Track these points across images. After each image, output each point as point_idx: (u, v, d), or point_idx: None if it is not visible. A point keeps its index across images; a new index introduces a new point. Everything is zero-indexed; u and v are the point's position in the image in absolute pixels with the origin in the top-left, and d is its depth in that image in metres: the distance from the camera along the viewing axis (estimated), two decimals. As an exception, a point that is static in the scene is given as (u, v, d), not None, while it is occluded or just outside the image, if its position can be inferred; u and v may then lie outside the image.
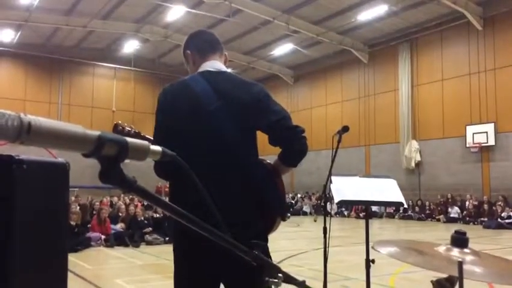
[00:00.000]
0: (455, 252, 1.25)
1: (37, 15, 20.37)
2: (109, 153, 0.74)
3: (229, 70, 2.21)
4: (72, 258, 7.88)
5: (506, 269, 1.27)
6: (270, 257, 1.89)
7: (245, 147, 1.97)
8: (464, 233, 1.29)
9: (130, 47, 24.66)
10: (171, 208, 0.92)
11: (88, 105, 25.85)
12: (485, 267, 1.19)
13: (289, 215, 2.09)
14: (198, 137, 1.96)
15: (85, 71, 26.18)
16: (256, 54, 25.26)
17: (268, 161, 2.13)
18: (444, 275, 1.31)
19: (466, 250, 1.26)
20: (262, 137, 2.06)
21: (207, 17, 20.45)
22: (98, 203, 13.00)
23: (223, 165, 1.93)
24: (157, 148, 0.83)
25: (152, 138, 2.13)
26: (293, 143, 2.01)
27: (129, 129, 2.22)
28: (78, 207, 11.28)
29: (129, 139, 0.77)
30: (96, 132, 0.72)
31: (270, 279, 1.13)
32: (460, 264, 1.01)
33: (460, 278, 1.02)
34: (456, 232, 1.30)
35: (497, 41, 17.99)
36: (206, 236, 0.99)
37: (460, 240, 1.27)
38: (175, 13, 20.47)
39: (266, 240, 1.98)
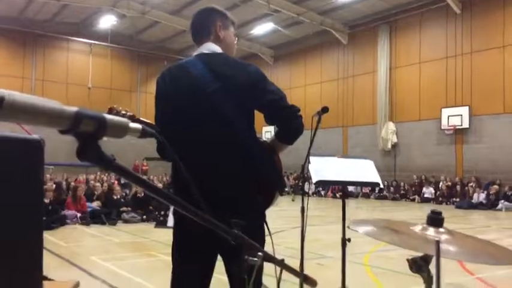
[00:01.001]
0: (431, 231, 1.28)
1: (9, -13, 19.65)
2: (87, 130, 0.72)
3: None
4: (47, 236, 7.80)
5: (479, 248, 1.31)
6: (264, 235, 1.95)
7: (243, 126, 2.03)
8: (440, 213, 1.32)
9: (107, 22, 24.03)
10: (149, 186, 0.91)
11: (63, 82, 25.22)
12: (459, 246, 1.23)
13: (286, 189, 2.19)
14: (197, 118, 2.02)
15: (59, 46, 25.45)
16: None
17: (265, 139, 2.23)
18: (419, 254, 1.34)
19: (441, 229, 1.29)
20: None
21: (187, -7, 20.07)
22: (73, 182, 12.82)
23: (222, 143, 2.00)
24: (136, 125, 0.82)
25: (146, 121, 2.15)
26: (289, 122, 2.08)
27: (124, 112, 2.23)
28: (53, 185, 11.12)
29: (107, 115, 0.75)
30: (73, 108, 0.70)
31: (250, 258, 1.14)
32: (438, 243, 1.04)
33: (437, 257, 1.05)
34: (432, 212, 1.33)
35: (474, 24, 18.22)
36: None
37: (435, 220, 1.30)
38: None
39: (264, 214, 2.07)
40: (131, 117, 2.26)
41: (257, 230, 1.95)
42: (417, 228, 1.31)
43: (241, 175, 2.00)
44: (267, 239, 1.94)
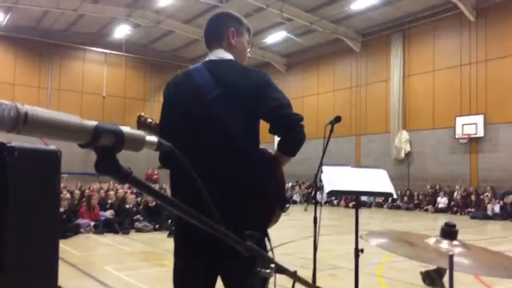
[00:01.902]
0: (445, 244, 1.27)
1: (26, -2, 20.05)
2: (105, 144, 0.73)
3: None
4: (61, 245, 7.85)
5: (494, 261, 1.30)
6: (266, 247, 1.90)
7: (244, 135, 1.95)
8: (454, 225, 1.31)
9: (122, 31, 24.38)
10: (165, 198, 0.92)
11: (78, 90, 25.58)
12: (474, 259, 1.22)
13: (288, 205, 2.07)
14: (198, 124, 1.97)
15: (75, 56, 25.86)
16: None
17: (269, 151, 2.12)
18: (432, 267, 1.33)
19: (455, 242, 1.29)
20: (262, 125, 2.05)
21: (200, 2, 20.25)
22: (87, 190, 12.93)
23: (223, 153, 1.93)
24: (153, 139, 0.83)
25: None
26: (290, 132, 1.99)
27: (150, 120, 2.25)
28: (67, 194, 11.24)
29: (125, 129, 0.76)
30: (93, 123, 0.72)
31: (262, 270, 1.15)
32: (451, 257, 1.03)
33: (450, 271, 1.04)
34: (446, 224, 1.32)
35: (489, 32, 18.07)
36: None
37: (449, 233, 1.29)
38: (168, -2, 20.24)
39: (265, 231, 1.94)
40: (157, 125, 2.30)
41: (260, 242, 1.90)
42: (431, 241, 1.30)
43: (239, 186, 1.91)
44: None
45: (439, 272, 1.28)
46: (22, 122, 0.62)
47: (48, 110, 0.66)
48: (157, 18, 22.83)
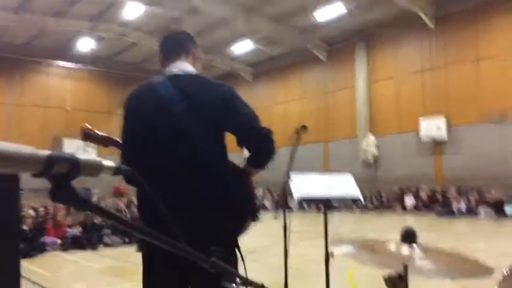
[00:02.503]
0: (405, 249, 1.32)
1: (-16, 12, 19.46)
2: (60, 172, 0.73)
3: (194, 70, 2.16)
4: (27, 264, 7.63)
5: (452, 263, 1.35)
6: (237, 257, 1.92)
7: (213, 148, 1.94)
8: (412, 230, 1.36)
9: (86, 45, 23.95)
10: (126, 223, 0.92)
11: (41, 105, 24.90)
12: (432, 262, 1.26)
13: (259, 216, 2.08)
14: (164, 140, 1.94)
15: (37, 70, 25.21)
16: (215, 52, 25.13)
17: (236, 163, 2.12)
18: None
19: (414, 246, 1.33)
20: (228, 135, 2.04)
21: (166, 15, 20.17)
22: (51, 207, 12.54)
23: (190, 166, 1.91)
24: (110, 164, 0.83)
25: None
26: (260, 146, 2.00)
27: (100, 133, 2.19)
28: (31, 211, 10.91)
29: (80, 157, 0.76)
30: (45, 152, 0.71)
31: (228, 285, 1.16)
32: (405, 266, 1.07)
33: (405, 279, 1.08)
34: (405, 229, 1.36)
35: (448, 39, 18.74)
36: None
37: (408, 237, 1.34)
38: (133, 11, 20.05)
39: (236, 241, 1.97)
40: (107, 138, 2.26)
41: (228, 255, 1.90)
42: (392, 246, 1.35)
43: (209, 199, 1.91)
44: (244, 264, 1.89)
45: (401, 276, 1.31)
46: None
47: (-1, 142, 0.65)
48: (122, 31, 22.57)
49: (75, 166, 0.74)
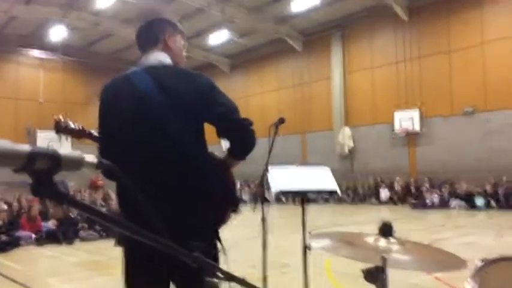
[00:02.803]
0: (383, 242, 1.34)
1: (-50, -1, 18.77)
2: (41, 167, 0.72)
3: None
4: (1, 260, 7.47)
5: (427, 255, 1.39)
6: (217, 250, 1.92)
7: (193, 141, 1.93)
8: (389, 224, 1.39)
9: (58, 34, 23.33)
10: (106, 217, 0.91)
11: (12, 97, 24.24)
12: (409, 255, 1.30)
13: (239, 207, 2.10)
14: (143, 133, 1.92)
15: (7, 59, 24.45)
16: (191, 42, 24.83)
17: (216, 154, 2.12)
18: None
19: (392, 240, 1.36)
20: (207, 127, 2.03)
21: (140, 3, 19.82)
22: (25, 201, 12.29)
23: (170, 159, 1.90)
24: (91, 159, 0.82)
25: (97, 135, 2.06)
26: (240, 136, 2.00)
27: (73, 126, 2.13)
28: (4, 205, 10.67)
29: (61, 151, 0.75)
30: (26, 147, 0.70)
31: (210, 279, 1.16)
32: (384, 258, 1.10)
33: (384, 271, 1.11)
34: (382, 223, 1.39)
35: (421, 31, 19.03)
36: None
37: (386, 231, 1.36)
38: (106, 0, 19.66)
39: (217, 232, 1.98)
40: (82, 130, 2.22)
41: (210, 249, 1.87)
42: (370, 240, 1.37)
43: (190, 192, 1.89)
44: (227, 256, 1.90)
45: (379, 269, 1.34)
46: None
47: (-23, 138, 0.64)
48: (95, 20, 22.10)
49: (57, 161, 0.73)
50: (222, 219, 2.03)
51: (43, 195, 0.74)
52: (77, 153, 0.79)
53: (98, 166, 0.84)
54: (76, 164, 0.78)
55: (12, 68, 24.68)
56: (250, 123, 2.02)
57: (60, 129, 2.16)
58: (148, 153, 1.90)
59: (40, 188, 0.73)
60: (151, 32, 2.13)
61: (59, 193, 0.76)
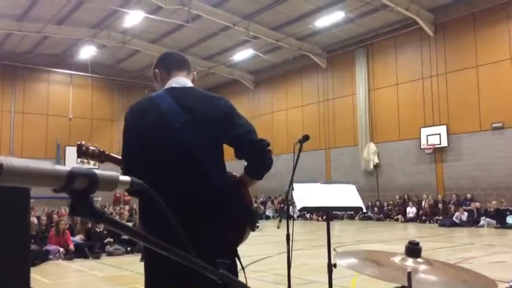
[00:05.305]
0: (410, 262, 1.33)
1: (-13, 20, 19.61)
2: (79, 187, 0.76)
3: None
4: (30, 273, 7.61)
5: (454, 276, 1.37)
6: (237, 267, 1.95)
7: (211, 161, 2.01)
8: (417, 244, 1.38)
9: (87, 52, 24.07)
10: (138, 234, 0.95)
11: (43, 113, 25.02)
12: (437, 276, 1.28)
13: (258, 225, 2.15)
14: (166, 153, 2.00)
15: (40, 78, 25.33)
16: (216, 59, 25.27)
17: (234, 174, 2.18)
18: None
19: (419, 260, 1.35)
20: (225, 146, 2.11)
21: (166, 22, 20.31)
22: (55, 215, 12.58)
23: (191, 178, 1.97)
24: (126, 179, 0.86)
25: (117, 157, 2.13)
26: (258, 157, 2.07)
27: (93, 149, 2.22)
28: (34, 219, 10.91)
29: (98, 172, 0.79)
30: (66, 168, 0.74)
31: (236, 296, 1.17)
32: (409, 275, 1.09)
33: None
34: (410, 243, 1.38)
35: (447, 46, 18.80)
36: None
37: (413, 251, 1.36)
38: (133, 19, 20.19)
39: (235, 250, 2.02)
40: (101, 153, 2.29)
41: (233, 266, 1.92)
42: (396, 259, 1.37)
43: (208, 210, 1.96)
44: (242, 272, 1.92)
45: (405, 288, 1.33)
46: (-3, 173, 0.64)
47: (22, 160, 0.68)
48: (123, 38, 22.70)
49: (94, 181, 0.77)
50: (240, 237, 2.08)
51: (81, 214, 0.78)
52: (112, 173, 0.82)
53: (131, 185, 0.87)
54: (112, 183, 0.81)
55: (43, 85, 25.53)
56: (267, 144, 2.09)
57: (82, 153, 2.25)
58: (169, 172, 1.97)
59: (78, 207, 0.77)
60: (183, 60, 2.28)
61: (95, 212, 0.79)
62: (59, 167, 0.73)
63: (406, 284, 1.23)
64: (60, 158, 23.04)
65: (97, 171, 0.79)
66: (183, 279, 1.83)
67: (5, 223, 1.31)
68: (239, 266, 1.99)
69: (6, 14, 19.55)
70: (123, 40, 22.76)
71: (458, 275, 1.36)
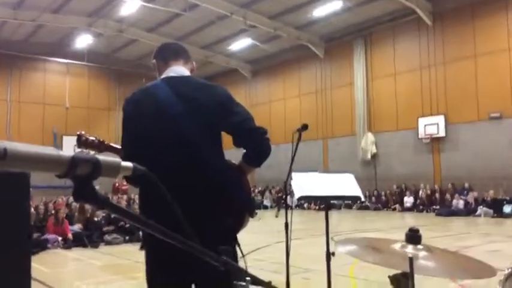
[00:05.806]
0: (410, 249, 1.34)
1: (-18, 9, 19.42)
2: (82, 173, 0.76)
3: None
4: (28, 262, 7.63)
5: (455, 262, 1.38)
6: (237, 254, 1.97)
7: (209, 148, 2.02)
8: (417, 231, 1.38)
9: (84, 41, 23.87)
10: (141, 221, 0.95)
11: (40, 102, 24.88)
12: (437, 262, 1.29)
13: (256, 211, 2.17)
14: (163, 141, 2.01)
15: (36, 67, 25.15)
16: (214, 48, 25.13)
17: (233, 161, 2.20)
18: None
19: (419, 246, 1.36)
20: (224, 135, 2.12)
21: (163, 11, 20.14)
22: (51, 204, 12.55)
23: (189, 166, 1.98)
24: (128, 164, 0.86)
25: (116, 146, 2.14)
26: (256, 145, 2.09)
27: (93, 139, 2.23)
28: (31, 209, 10.91)
29: (101, 157, 0.79)
30: (69, 154, 0.74)
31: (238, 283, 1.18)
32: (411, 260, 1.10)
33: (411, 274, 1.11)
34: (410, 230, 1.39)
35: (446, 36, 18.75)
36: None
37: (413, 238, 1.36)
38: (130, 7, 20.02)
39: (235, 237, 2.05)
40: (100, 143, 2.30)
41: (234, 253, 1.94)
42: (397, 246, 1.37)
43: (208, 198, 1.97)
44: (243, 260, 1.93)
45: (406, 276, 1.34)
46: (1, 157, 0.64)
47: (26, 144, 0.68)
48: (119, 27, 22.53)
49: (97, 167, 0.77)
50: (240, 224, 2.10)
51: (84, 200, 0.78)
52: (114, 158, 0.82)
53: (134, 171, 0.87)
54: (114, 169, 0.81)
55: (39, 74, 25.36)
56: (265, 132, 2.10)
57: (82, 143, 2.26)
58: (168, 160, 1.97)
59: (81, 192, 0.77)
60: (182, 50, 2.28)
61: (99, 197, 0.79)
62: (61, 152, 0.73)
63: (406, 270, 1.24)
64: (57, 148, 22.99)
65: (100, 157, 0.79)
66: (185, 266, 1.85)
67: (5, 211, 1.31)
68: (239, 254, 2.01)
69: (1, 1, 19.35)
70: (120, 29, 22.59)
71: (458, 262, 1.37)
